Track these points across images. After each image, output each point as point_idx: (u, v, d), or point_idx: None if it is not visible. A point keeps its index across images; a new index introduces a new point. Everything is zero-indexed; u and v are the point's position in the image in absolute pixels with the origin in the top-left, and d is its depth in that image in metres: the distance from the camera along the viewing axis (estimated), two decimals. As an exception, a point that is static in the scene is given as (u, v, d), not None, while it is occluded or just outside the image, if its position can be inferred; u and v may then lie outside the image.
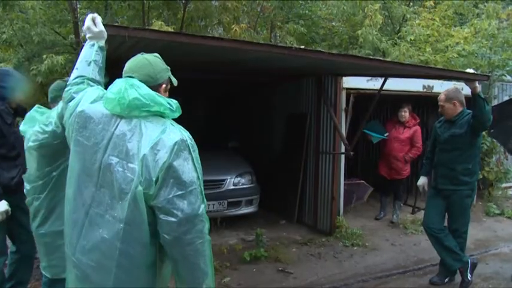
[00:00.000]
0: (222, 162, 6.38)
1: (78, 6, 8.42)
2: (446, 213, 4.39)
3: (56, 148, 2.54)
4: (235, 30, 7.81)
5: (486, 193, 7.76)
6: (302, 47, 2.73)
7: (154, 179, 1.69)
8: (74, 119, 1.91)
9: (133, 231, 1.73)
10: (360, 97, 6.34)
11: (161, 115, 1.82)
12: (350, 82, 6.03)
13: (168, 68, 2.02)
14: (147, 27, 7.14)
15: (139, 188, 1.69)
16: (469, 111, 4.30)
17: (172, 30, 6.79)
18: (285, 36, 9.27)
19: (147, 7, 8.35)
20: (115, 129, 1.79)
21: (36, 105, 2.85)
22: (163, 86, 1.97)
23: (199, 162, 1.81)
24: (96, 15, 2.19)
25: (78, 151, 1.88)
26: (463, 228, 4.33)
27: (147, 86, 1.85)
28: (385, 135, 6.47)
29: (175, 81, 2.06)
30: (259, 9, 9.32)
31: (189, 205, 1.71)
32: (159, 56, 2.01)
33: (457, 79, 4.75)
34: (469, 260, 4.29)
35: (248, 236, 5.72)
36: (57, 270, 2.66)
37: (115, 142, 1.77)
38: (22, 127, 2.78)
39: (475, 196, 7.29)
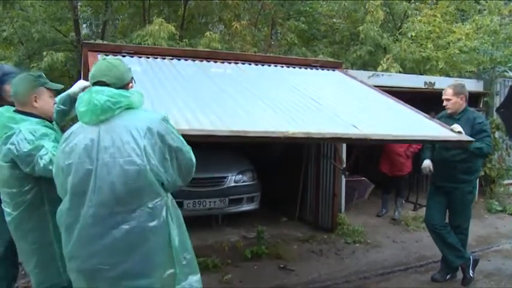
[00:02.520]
0: (223, 159, 6.36)
1: (78, 4, 8.41)
2: (448, 210, 4.37)
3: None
4: (236, 27, 7.80)
5: (488, 190, 7.72)
6: (294, 133, 2.67)
7: (159, 163, 1.92)
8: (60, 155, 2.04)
9: (154, 211, 1.94)
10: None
11: (131, 107, 1.98)
12: (351, 79, 6.00)
13: (130, 67, 2.20)
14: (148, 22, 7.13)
15: (150, 174, 1.89)
16: (471, 108, 4.31)
17: (173, 27, 6.77)
18: (285, 33, 9.25)
19: (147, 4, 8.33)
20: (98, 136, 1.91)
21: (5, 107, 2.64)
22: (130, 84, 2.15)
23: None
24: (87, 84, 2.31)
25: (65, 177, 1.98)
26: (464, 224, 4.31)
27: (116, 87, 2.01)
28: None
29: (134, 79, 2.22)
30: (259, 6, 9.29)
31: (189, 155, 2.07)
32: (121, 58, 2.22)
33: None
34: (471, 257, 4.27)
35: (249, 233, 5.71)
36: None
37: (104, 147, 1.89)
38: None
39: (477, 193, 7.30)
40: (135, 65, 3.75)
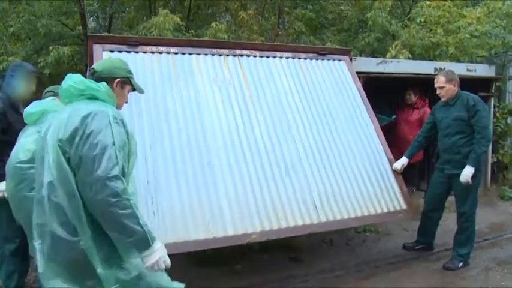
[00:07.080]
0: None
1: (84, -3, 8.38)
2: (454, 198, 4.43)
3: None
4: (243, 17, 7.73)
5: (501, 176, 7.61)
6: (256, 238, 3.62)
7: None
8: None
9: None
10: (369, 81, 6.23)
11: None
12: (360, 66, 5.92)
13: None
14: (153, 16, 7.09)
15: None
16: (464, 92, 4.31)
17: (178, 18, 6.72)
18: (293, 22, 9.14)
19: (153, -4, 8.29)
20: None
21: (53, 98, 2.83)
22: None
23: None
24: None
25: None
26: (469, 211, 4.30)
27: None
28: (393, 117, 6.36)
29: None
30: (266, -5, 9.19)
31: None
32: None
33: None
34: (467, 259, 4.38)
35: (259, 224, 5.70)
36: None
37: None
38: (31, 109, 2.68)
39: (489, 179, 7.22)
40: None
